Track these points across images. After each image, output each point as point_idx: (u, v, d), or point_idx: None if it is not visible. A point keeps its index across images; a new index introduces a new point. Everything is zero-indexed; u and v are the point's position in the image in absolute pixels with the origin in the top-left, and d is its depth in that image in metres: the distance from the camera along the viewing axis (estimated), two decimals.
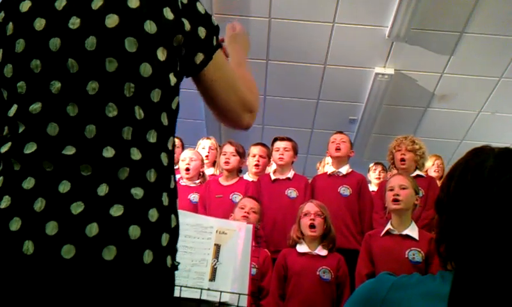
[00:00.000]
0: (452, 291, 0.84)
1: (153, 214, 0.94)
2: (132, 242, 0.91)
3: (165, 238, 0.96)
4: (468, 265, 0.86)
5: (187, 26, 1.02)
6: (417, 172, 3.52)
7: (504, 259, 0.84)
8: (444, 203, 0.96)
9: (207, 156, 4.12)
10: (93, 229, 0.89)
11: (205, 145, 4.16)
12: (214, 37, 1.08)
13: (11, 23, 0.99)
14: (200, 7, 1.06)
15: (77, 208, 0.90)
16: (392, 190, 2.89)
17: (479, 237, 0.87)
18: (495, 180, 0.88)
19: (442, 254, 0.95)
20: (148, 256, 0.92)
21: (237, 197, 3.46)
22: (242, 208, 3.01)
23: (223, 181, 3.66)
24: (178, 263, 1.02)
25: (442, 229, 0.96)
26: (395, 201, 2.85)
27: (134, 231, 0.92)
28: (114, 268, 0.90)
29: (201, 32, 1.05)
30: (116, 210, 0.91)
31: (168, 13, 1.00)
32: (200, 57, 1.05)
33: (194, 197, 3.62)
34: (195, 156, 3.75)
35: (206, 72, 1.07)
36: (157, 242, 0.95)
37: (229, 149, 3.70)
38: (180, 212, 1.05)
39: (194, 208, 3.52)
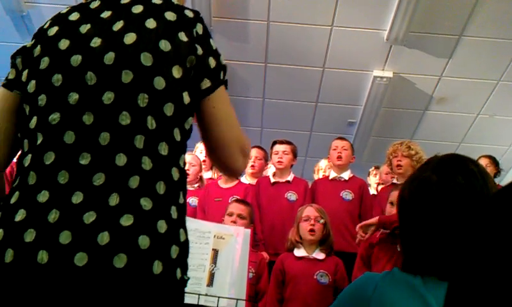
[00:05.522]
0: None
1: (161, 225, 0.97)
2: (142, 251, 0.94)
3: (174, 251, 0.98)
4: (461, 280, 0.88)
5: (200, 51, 1.07)
6: None
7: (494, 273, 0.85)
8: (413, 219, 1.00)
9: (204, 160, 4.12)
10: (104, 237, 0.93)
11: (202, 149, 4.16)
12: (222, 72, 1.11)
13: (39, 46, 1.08)
14: (213, 43, 1.11)
15: (89, 217, 0.94)
16: (393, 205, 2.82)
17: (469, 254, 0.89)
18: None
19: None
20: (157, 267, 0.95)
21: None
22: (230, 216, 2.97)
23: (222, 185, 3.66)
24: (189, 277, 1.04)
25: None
26: None
27: (144, 241, 0.94)
28: (124, 276, 0.92)
29: (212, 62, 1.09)
30: (126, 220, 0.94)
31: (183, 36, 1.05)
32: (206, 83, 1.08)
33: (192, 200, 3.63)
34: (194, 161, 3.75)
35: (209, 99, 1.08)
36: (166, 253, 0.97)
37: None
38: None
39: (193, 211, 3.53)
